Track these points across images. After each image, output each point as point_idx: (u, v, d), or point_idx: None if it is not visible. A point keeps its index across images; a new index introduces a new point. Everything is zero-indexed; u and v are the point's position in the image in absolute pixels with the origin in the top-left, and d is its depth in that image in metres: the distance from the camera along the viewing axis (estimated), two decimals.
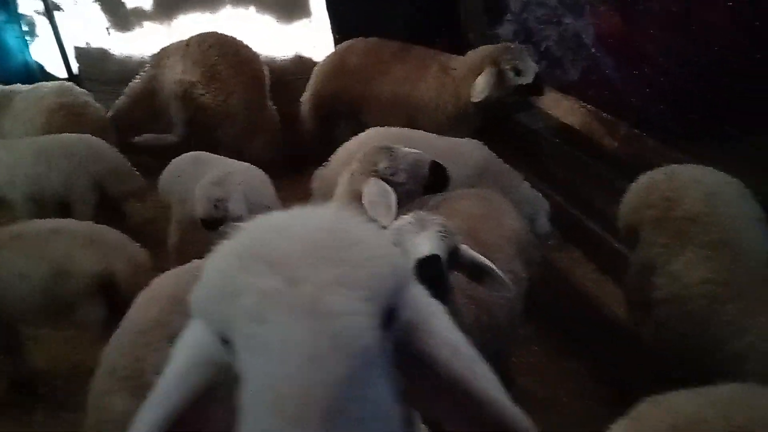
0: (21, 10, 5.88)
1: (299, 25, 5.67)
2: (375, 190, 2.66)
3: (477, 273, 2.09)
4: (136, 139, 5.27)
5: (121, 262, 3.22)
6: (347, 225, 0.87)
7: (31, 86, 4.92)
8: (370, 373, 0.78)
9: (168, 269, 4.10)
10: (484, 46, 4.50)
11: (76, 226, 3.32)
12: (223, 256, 0.87)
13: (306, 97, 5.15)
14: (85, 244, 3.18)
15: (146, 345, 2.06)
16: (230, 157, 4.96)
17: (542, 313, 3.53)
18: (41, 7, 5.82)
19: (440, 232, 1.97)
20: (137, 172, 4.54)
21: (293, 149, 5.42)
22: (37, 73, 5.99)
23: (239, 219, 3.68)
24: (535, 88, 4.31)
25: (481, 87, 4.23)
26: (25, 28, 5.91)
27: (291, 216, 0.90)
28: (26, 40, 5.93)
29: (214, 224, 3.60)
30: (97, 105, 4.99)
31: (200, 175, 4.01)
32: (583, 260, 4.17)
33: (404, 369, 0.88)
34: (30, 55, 5.98)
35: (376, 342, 0.80)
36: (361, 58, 4.90)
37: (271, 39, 5.64)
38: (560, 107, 4.84)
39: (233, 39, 5.25)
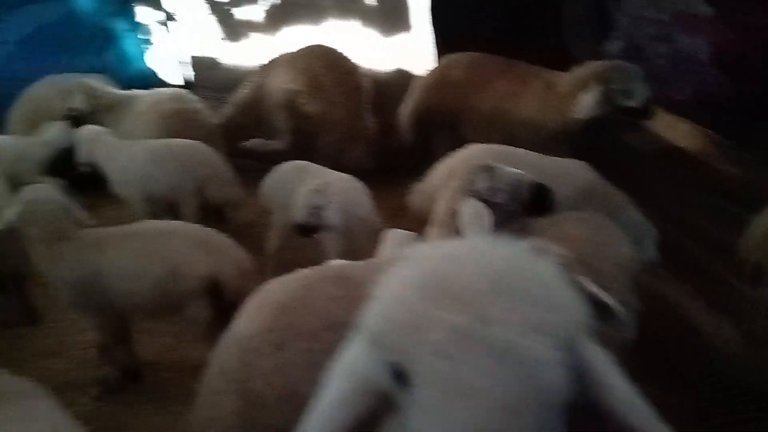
0: (139, 19, 6.23)
1: (401, 39, 5.72)
2: (470, 210, 2.62)
3: (595, 308, 2.00)
4: (245, 144, 5.47)
5: (228, 265, 3.33)
6: (528, 262, 0.83)
7: (149, 91, 5.21)
8: (555, 425, 0.74)
9: (265, 274, 4.36)
10: (593, 62, 4.39)
11: (189, 229, 3.46)
12: (402, 286, 0.85)
13: (406, 108, 5.20)
14: (197, 247, 3.32)
15: (254, 350, 2.11)
16: (328, 165, 5.15)
17: (646, 345, 3.37)
18: (159, 17, 6.15)
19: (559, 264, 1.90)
20: (237, 182, 4.68)
21: (388, 159, 5.48)
22: (151, 80, 6.33)
23: (333, 228, 3.80)
24: (644, 113, 4.14)
25: (586, 104, 4.12)
26: (144, 36, 6.26)
27: (466, 247, 0.88)
28: (143, 48, 6.28)
29: (308, 231, 3.69)
30: (208, 112, 5.21)
31: (303, 183, 4.13)
32: (691, 292, 3.96)
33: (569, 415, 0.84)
34: (145, 62, 6.33)
35: (568, 394, 0.75)
36: (463, 71, 4.91)
37: (373, 52, 5.72)
38: (670, 128, 4.64)
39: (337, 51, 5.40)
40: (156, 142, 4.59)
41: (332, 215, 3.67)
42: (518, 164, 3.70)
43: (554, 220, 2.87)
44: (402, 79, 5.80)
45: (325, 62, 5.26)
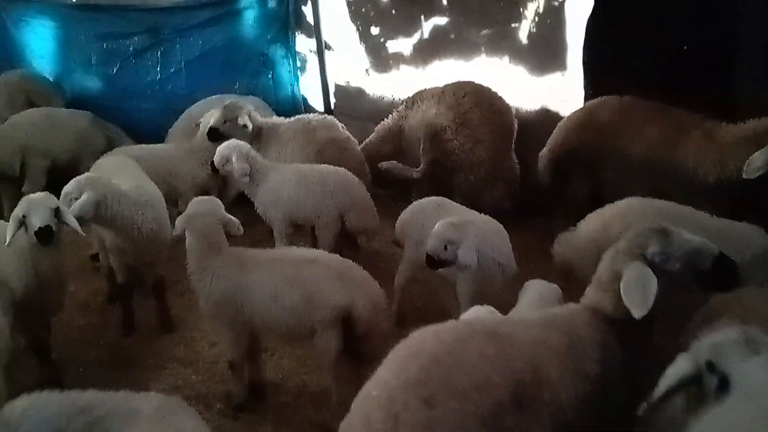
0: (297, 48, 6.51)
1: (551, 79, 5.52)
2: (635, 275, 2.35)
3: None
4: (383, 164, 5.50)
5: (363, 299, 3.30)
6: None
7: (293, 118, 5.36)
8: None
9: (390, 307, 4.29)
10: (753, 122, 4.00)
11: (329, 259, 3.48)
12: None
13: (546, 149, 5.00)
14: (335, 277, 3.31)
15: (403, 404, 1.99)
16: (465, 203, 5.05)
17: None
18: (314, 46, 6.39)
19: None
20: (376, 213, 4.70)
21: (525, 200, 5.30)
22: (300, 105, 6.57)
23: (467, 269, 3.66)
24: None
25: (759, 163, 3.68)
26: (297, 64, 6.53)
27: None
28: (297, 75, 6.55)
29: (437, 264, 3.56)
30: (355, 140, 5.30)
31: (440, 219, 4.03)
32: None
33: None
34: (299, 88, 6.59)
35: None
36: (612, 114, 4.63)
37: (521, 89, 5.56)
38: None
39: (488, 89, 5.31)
40: (306, 167, 4.71)
41: (466, 254, 3.53)
42: (684, 224, 3.38)
43: (735, 296, 2.53)
44: (547, 118, 5.59)
45: (475, 99, 5.18)
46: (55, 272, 3.56)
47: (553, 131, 4.99)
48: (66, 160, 5.95)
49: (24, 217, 3.37)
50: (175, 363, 4.12)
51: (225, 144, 4.58)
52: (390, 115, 5.66)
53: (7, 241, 3.33)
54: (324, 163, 4.78)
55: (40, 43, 6.86)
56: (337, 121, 5.34)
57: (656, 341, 2.44)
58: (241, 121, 5.04)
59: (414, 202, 4.37)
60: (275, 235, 4.67)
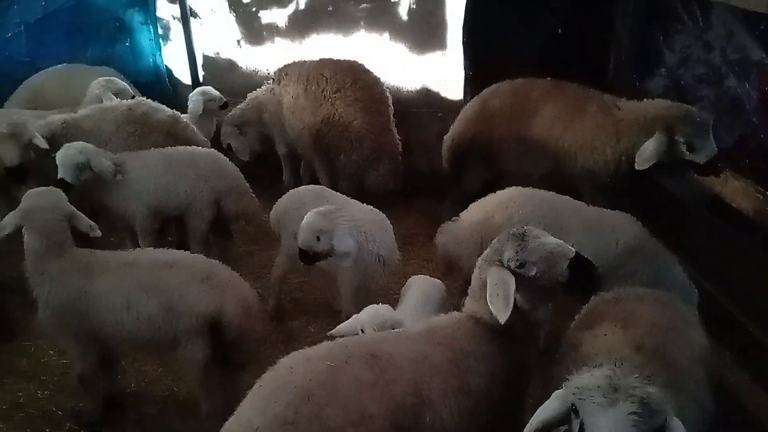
0: (159, 13, 5.89)
1: (432, 57, 5.39)
2: (493, 280, 2.28)
3: None
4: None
5: (232, 303, 2.98)
6: None
7: (88, 109, 4.54)
8: None
9: (267, 303, 4.02)
10: (662, 102, 4.01)
11: (192, 261, 3.11)
12: None
13: (449, 135, 4.84)
14: (198, 281, 2.97)
15: None
16: (351, 185, 4.86)
17: None
18: (178, 12, 5.81)
19: (636, 415, 1.57)
20: (254, 195, 4.37)
21: (412, 181, 5.18)
22: (164, 77, 5.98)
23: (346, 255, 3.46)
24: (707, 170, 3.80)
25: (647, 155, 3.76)
26: (159, 31, 5.91)
27: None
28: (159, 44, 5.94)
29: (312, 258, 3.35)
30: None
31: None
32: (733, 364, 3.61)
33: None
34: (161, 58, 5.98)
35: None
36: (505, 99, 4.53)
37: (401, 68, 5.39)
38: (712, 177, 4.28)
39: (351, 64, 5.05)
40: (173, 150, 4.22)
41: (342, 241, 3.34)
42: (559, 212, 3.39)
43: (621, 296, 2.50)
44: (428, 98, 5.51)
45: (339, 81, 4.91)
46: None
47: (456, 118, 4.84)
48: None
49: None
50: (16, 376, 3.60)
51: (65, 154, 3.81)
52: (260, 88, 5.37)
53: None
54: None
55: None
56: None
57: (537, 346, 2.37)
58: (37, 142, 4.02)
59: (290, 191, 4.09)
60: (139, 233, 4.13)
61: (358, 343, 2.18)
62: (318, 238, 3.31)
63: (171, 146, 4.30)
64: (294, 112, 5.06)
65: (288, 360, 2.03)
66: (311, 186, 4.18)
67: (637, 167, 3.76)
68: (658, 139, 3.71)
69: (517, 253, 2.30)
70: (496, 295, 2.24)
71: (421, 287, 3.13)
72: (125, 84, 5.00)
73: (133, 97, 4.88)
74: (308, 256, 3.34)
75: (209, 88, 5.18)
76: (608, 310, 2.40)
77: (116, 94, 4.81)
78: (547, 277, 2.31)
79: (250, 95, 5.43)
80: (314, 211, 3.40)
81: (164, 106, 4.63)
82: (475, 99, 4.71)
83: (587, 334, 2.30)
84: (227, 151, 5.18)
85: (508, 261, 2.31)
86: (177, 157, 4.16)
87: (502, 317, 2.20)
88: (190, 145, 4.40)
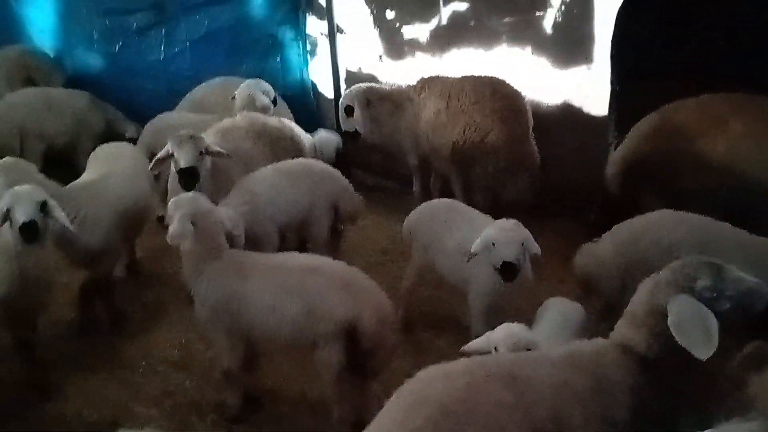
0: (308, 30, 6.18)
1: (576, 72, 5.20)
2: (689, 310, 2.08)
3: None
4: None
5: (369, 312, 3.05)
6: None
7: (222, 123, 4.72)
8: None
9: (396, 313, 4.05)
10: None
11: (333, 268, 3.22)
12: None
13: (618, 155, 4.55)
14: (339, 288, 3.07)
15: None
16: (487, 198, 4.81)
17: None
18: (325, 29, 6.07)
19: None
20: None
21: (545, 198, 4.97)
22: (309, 91, 6.27)
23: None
24: None
25: None
26: (308, 47, 6.21)
27: None
28: (307, 59, 6.23)
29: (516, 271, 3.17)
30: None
31: (454, 226, 3.78)
32: None
33: None
34: (308, 73, 6.27)
35: None
36: (689, 114, 4.17)
37: (543, 82, 5.26)
38: None
39: (490, 79, 5.02)
40: (281, 166, 4.34)
41: (533, 247, 3.25)
42: (716, 240, 3.12)
43: None
44: (568, 113, 5.30)
45: (476, 95, 4.90)
46: (41, 271, 3.32)
47: (626, 136, 4.52)
48: (63, 143, 5.75)
49: (8, 210, 3.13)
50: (168, 366, 3.90)
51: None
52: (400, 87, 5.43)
53: None
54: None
55: (41, 17, 6.58)
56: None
57: (691, 386, 2.19)
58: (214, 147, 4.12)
59: (423, 204, 4.12)
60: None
61: (497, 362, 2.13)
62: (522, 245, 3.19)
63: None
64: (435, 129, 5.09)
65: (426, 374, 2.02)
66: (444, 199, 4.18)
67: None
68: None
69: (715, 283, 2.12)
70: (693, 328, 2.06)
71: (559, 309, 3.01)
72: (268, 85, 5.26)
73: (275, 99, 5.20)
74: (515, 270, 3.17)
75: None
76: None
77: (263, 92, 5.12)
78: (737, 314, 2.13)
79: (389, 87, 5.47)
80: (510, 221, 3.32)
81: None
82: (653, 114, 4.40)
83: (754, 376, 2.09)
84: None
85: (702, 290, 2.13)
86: (289, 171, 4.28)
87: (704, 353, 2.02)
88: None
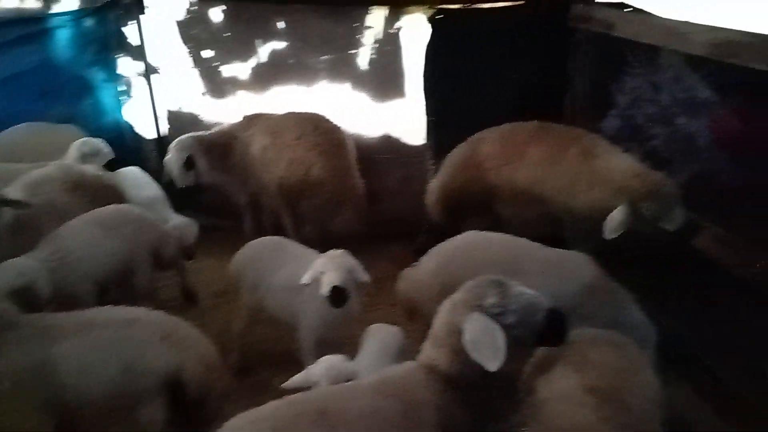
0: (121, 71, 5.95)
1: (393, 105, 5.51)
2: (479, 327, 2.29)
3: None
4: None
5: (193, 361, 2.97)
6: None
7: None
8: None
9: (230, 358, 3.98)
10: (629, 168, 3.94)
11: (151, 318, 3.08)
12: None
13: (436, 184, 4.84)
14: (159, 340, 2.95)
15: None
16: (316, 231, 4.90)
17: None
18: (140, 68, 5.88)
19: None
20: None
21: (376, 226, 5.18)
22: (126, 132, 6.01)
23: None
24: (679, 235, 3.78)
25: (614, 225, 3.72)
26: (122, 88, 5.97)
27: None
28: (120, 100, 5.98)
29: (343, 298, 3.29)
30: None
31: (279, 263, 3.81)
32: (695, 399, 3.66)
33: None
34: (121, 114, 6.02)
35: None
36: (493, 144, 4.53)
37: (364, 116, 5.50)
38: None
39: (314, 114, 5.20)
40: (100, 213, 4.07)
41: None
42: (515, 255, 3.44)
43: (575, 340, 2.54)
44: (389, 144, 5.61)
45: (297, 131, 5.04)
46: None
47: (441, 166, 4.85)
48: None
49: None
50: None
51: None
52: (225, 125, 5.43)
53: None
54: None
55: None
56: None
57: (493, 398, 2.39)
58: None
59: (249, 243, 4.11)
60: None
61: (307, 400, 2.17)
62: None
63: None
64: (262, 165, 5.12)
65: (233, 423, 2.02)
66: (268, 237, 4.20)
67: (606, 236, 3.72)
68: (623, 211, 3.70)
69: (501, 299, 2.31)
70: (482, 343, 2.24)
71: (378, 336, 3.14)
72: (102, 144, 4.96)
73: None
74: (344, 294, 3.27)
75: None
76: (561, 353, 2.44)
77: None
78: (522, 326, 2.33)
79: (217, 128, 5.41)
80: (335, 252, 3.43)
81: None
82: (463, 145, 4.73)
83: (542, 379, 2.33)
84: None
85: (489, 308, 2.31)
86: (108, 219, 4.04)
87: (493, 366, 2.20)
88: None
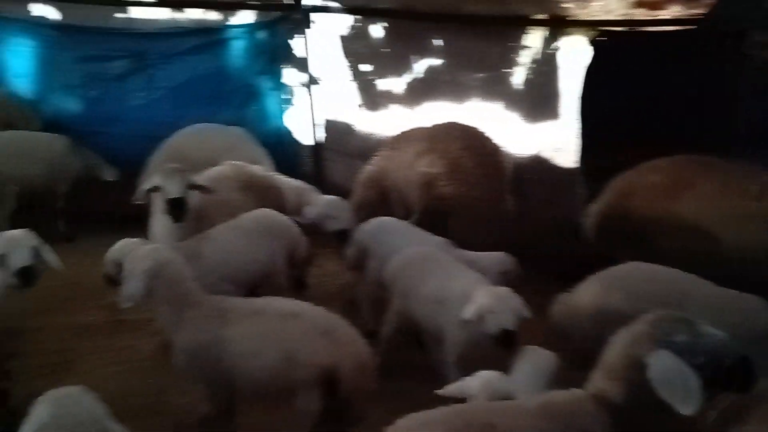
0: (285, 80, 6.35)
1: (545, 127, 5.44)
2: (669, 365, 2.16)
3: None
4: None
5: (349, 359, 3.10)
6: None
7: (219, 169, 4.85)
8: None
9: (377, 356, 4.08)
10: None
11: (314, 313, 3.27)
12: None
13: (593, 211, 4.71)
14: (319, 334, 3.12)
15: None
16: (462, 247, 4.91)
17: None
18: (303, 79, 6.25)
19: None
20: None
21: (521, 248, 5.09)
22: (286, 138, 6.39)
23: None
24: None
25: None
26: (285, 96, 6.36)
27: None
28: (282, 108, 6.38)
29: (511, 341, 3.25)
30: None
31: (431, 273, 3.88)
32: None
33: None
34: (282, 121, 6.41)
35: None
36: (662, 174, 4.36)
37: (514, 135, 5.47)
38: None
39: (477, 131, 5.20)
40: (245, 219, 4.31)
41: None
42: (684, 292, 3.26)
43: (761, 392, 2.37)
44: (539, 165, 5.50)
45: (465, 142, 5.04)
46: (18, 315, 3.33)
47: (604, 190, 4.70)
48: (38, 185, 5.74)
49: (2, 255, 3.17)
50: (144, 412, 3.83)
51: None
52: (370, 161, 5.49)
53: None
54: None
55: (19, 62, 6.60)
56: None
57: None
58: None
59: (404, 250, 4.19)
60: None
61: (474, 411, 2.20)
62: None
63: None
64: (416, 168, 5.12)
65: (405, 422, 2.08)
66: (422, 249, 4.21)
67: None
68: None
69: (691, 338, 2.21)
70: (673, 383, 2.14)
71: (533, 359, 3.10)
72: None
73: None
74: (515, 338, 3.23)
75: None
76: (755, 404, 2.27)
77: None
78: (710, 369, 2.21)
79: (359, 177, 5.47)
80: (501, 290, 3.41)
81: None
82: (630, 172, 4.58)
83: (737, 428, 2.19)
84: None
85: (679, 345, 2.21)
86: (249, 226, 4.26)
87: (688, 410, 2.10)
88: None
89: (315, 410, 3.13)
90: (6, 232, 3.34)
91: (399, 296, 4.01)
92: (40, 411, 2.25)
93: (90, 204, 6.11)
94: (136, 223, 4.66)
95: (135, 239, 4.01)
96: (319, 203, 4.94)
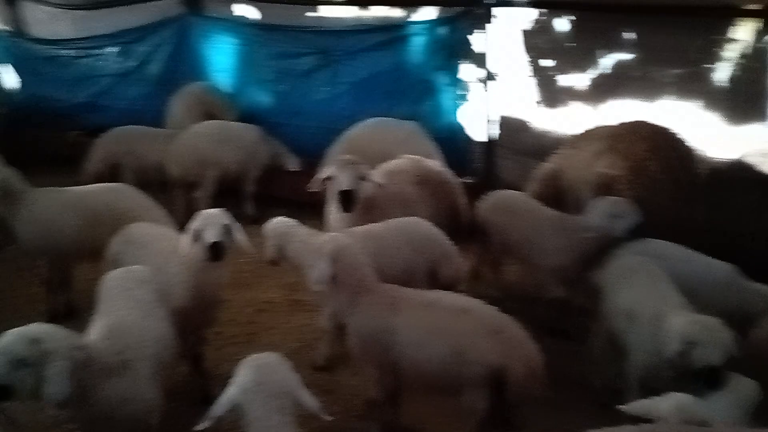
0: (461, 75, 6.30)
1: (751, 130, 4.87)
2: None
3: None
4: None
5: (519, 362, 3.02)
6: None
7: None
8: None
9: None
10: None
11: (485, 311, 3.22)
12: None
13: None
14: (490, 333, 3.07)
15: None
16: None
17: None
18: (479, 74, 6.18)
19: None
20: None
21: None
22: (458, 134, 6.37)
23: None
24: None
25: None
26: (460, 92, 6.34)
27: None
28: (457, 103, 6.36)
29: None
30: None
31: (632, 285, 3.62)
32: None
33: None
34: (456, 116, 6.39)
35: None
36: None
37: (713, 139, 4.96)
38: None
39: (667, 131, 4.80)
40: (393, 223, 4.21)
41: None
42: None
43: None
44: (741, 171, 4.93)
45: (652, 144, 4.68)
46: (217, 286, 3.65)
47: None
48: (234, 170, 6.34)
49: (198, 230, 3.50)
50: (314, 389, 4.02)
51: None
52: (548, 158, 5.27)
53: (184, 253, 3.50)
54: None
55: (221, 59, 7.28)
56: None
57: None
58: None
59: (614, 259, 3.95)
60: None
61: None
62: None
63: None
64: (593, 168, 4.84)
65: None
66: (632, 257, 3.89)
67: None
68: None
69: None
70: None
71: (735, 387, 2.77)
72: None
73: None
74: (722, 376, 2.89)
75: None
76: None
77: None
78: None
79: (538, 171, 5.28)
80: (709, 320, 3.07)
81: None
82: None
83: None
84: None
85: None
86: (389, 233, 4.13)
87: None
88: None
89: (481, 410, 3.09)
90: (205, 210, 3.70)
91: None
92: (244, 375, 2.46)
93: (274, 189, 6.58)
94: (313, 209, 4.95)
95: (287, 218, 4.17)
96: (597, 208, 4.28)
